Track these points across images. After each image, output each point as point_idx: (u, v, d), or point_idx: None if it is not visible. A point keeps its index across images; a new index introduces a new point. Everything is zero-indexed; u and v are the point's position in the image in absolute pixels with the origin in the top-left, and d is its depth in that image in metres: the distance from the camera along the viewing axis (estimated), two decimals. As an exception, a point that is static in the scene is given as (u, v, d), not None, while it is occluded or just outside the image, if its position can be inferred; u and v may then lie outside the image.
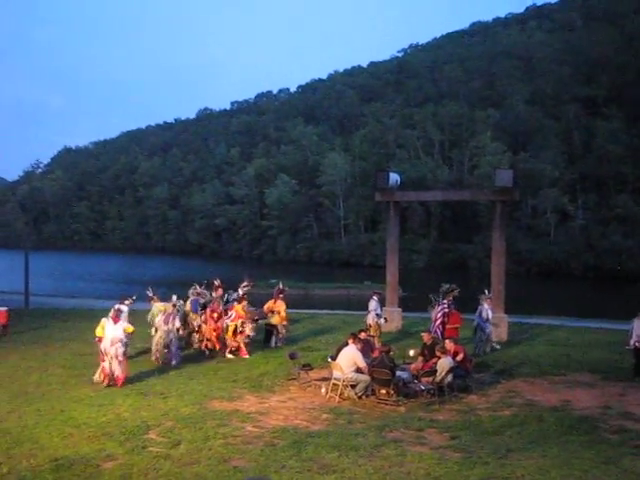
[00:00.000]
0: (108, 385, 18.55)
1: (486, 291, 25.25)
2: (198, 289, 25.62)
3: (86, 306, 38.27)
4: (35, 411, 15.40)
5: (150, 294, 25.10)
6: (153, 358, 22.09)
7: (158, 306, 24.51)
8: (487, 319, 23.97)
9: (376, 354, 18.52)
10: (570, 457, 12.32)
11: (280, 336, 25.55)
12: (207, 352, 23.38)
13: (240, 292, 25.66)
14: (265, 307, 26.08)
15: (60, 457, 12.14)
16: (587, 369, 20.92)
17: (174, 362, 21.80)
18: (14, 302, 36.30)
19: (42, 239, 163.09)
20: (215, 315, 23.82)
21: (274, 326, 25.56)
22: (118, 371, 18.74)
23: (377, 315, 25.23)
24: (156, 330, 22.49)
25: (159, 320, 22.62)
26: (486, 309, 24.12)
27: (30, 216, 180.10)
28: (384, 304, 27.92)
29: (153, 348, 22.36)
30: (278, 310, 25.64)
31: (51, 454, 12.32)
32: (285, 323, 25.82)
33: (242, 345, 23.60)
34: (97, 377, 19.01)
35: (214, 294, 25.07)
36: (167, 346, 22.09)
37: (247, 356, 23.25)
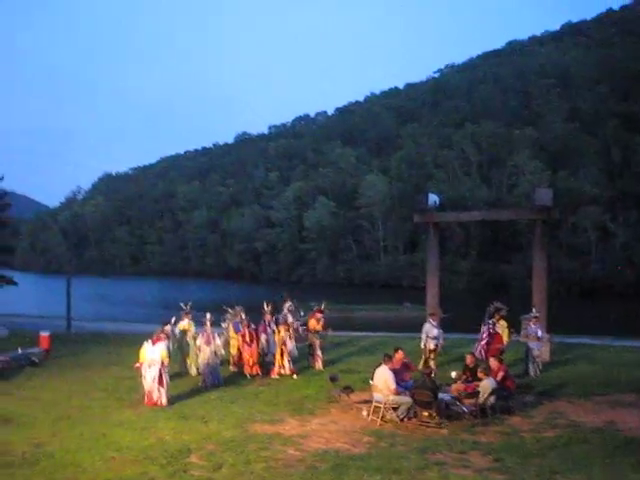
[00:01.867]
0: (150, 404, 18.85)
1: (534, 309, 25.00)
2: (232, 311, 25.71)
3: (127, 330, 38.51)
4: (78, 435, 15.49)
5: (186, 309, 25.16)
6: (200, 383, 22.16)
7: (180, 326, 24.67)
8: (538, 338, 23.65)
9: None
10: (616, 479, 12.12)
11: (316, 356, 25.53)
12: (249, 376, 23.44)
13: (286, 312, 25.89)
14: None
15: (103, 481, 12.19)
16: (631, 389, 20.60)
17: (216, 382, 22.04)
18: (56, 327, 36.64)
19: (83, 264, 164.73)
20: (248, 339, 23.93)
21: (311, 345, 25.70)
22: (157, 394, 18.96)
23: (432, 338, 25.03)
24: (199, 350, 22.67)
25: (200, 342, 22.76)
26: (533, 328, 23.84)
27: (71, 242, 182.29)
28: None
29: (201, 370, 22.58)
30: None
31: (94, 478, 12.38)
32: (314, 341, 25.57)
33: (276, 365, 23.90)
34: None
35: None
36: (212, 367, 22.26)
37: (276, 376, 23.62)
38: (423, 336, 25.12)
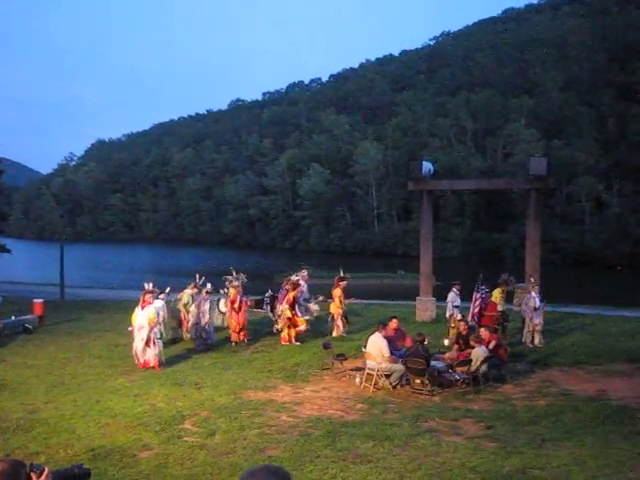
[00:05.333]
0: (142, 367, 19.50)
1: (531, 279, 24.84)
2: (231, 277, 25.83)
3: (121, 297, 38.53)
4: (72, 401, 15.54)
5: (197, 281, 25.29)
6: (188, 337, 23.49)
7: (185, 293, 24.83)
8: (535, 308, 23.47)
9: (409, 343, 18.49)
10: (606, 447, 12.20)
11: (335, 324, 25.48)
12: (232, 343, 23.55)
13: (294, 278, 25.86)
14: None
15: (97, 447, 12.23)
16: (624, 358, 20.68)
17: (207, 344, 22.71)
18: (50, 294, 36.65)
19: (76, 231, 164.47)
20: (235, 306, 23.95)
21: (331, 314, 25.67)
22: (150, 355, 19.70)
23: (455, 307, 24.99)
24: (189, 314, 23.48)
25: (193, 305, 23.34)
26: (533, 297, 23.66)
27: (64, 208, 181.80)
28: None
29: (191, 334, 23.39)
30: (333, 298, 25.75)
31: (88, 444, 12.42)
32: (340, 311, 25.51)
33: (286, 332, 23.85)
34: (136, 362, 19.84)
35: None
36: (200, 329, 22.78)
37: (287, 343, 23.57)
38: (449, 305, 25.12)
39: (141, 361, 19.75)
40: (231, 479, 10.55)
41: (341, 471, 10.94)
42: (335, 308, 25.51)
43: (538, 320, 23.37)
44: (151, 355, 19.76)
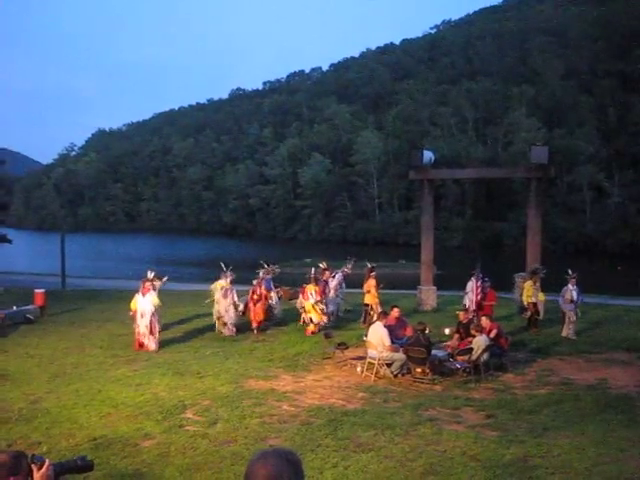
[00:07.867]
0: (138, 349, 20.41)
1: (569, 270, 24.15)
2: (265, 268, 25.83)
3: (122, 287, 38.53)
4: (73, 391, 15.55)
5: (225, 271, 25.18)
6: (217, 329, 23.69)
7: (217, 283, 24.80)
8: (572, 300, 23.11)
9: (410, 332, 18.50)
10: (607, 436, 12.22)
11: (372, 315, 25.46)
12: (255, 331, 23.86)
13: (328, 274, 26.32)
14: (364, 286, 26.34)
15: (99, 436, 12.25)
16: (624, 347, 20.72)
17: (227, 333, 23.26)
18: (51, 284, 36.70)
19: (77, 221, 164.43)
20: (255, 297, 24.10)
21: (367, 305, 25.73)
22: (147, 341, 20.57)
23: None
24: (217, 303, 23.69)
25: (218, 295, 23.60)
26: (570, 290, 23.29)
27: (65, 199, 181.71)
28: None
29: (215, 320, 23.85)
30: (368, 289, 25.80)
31: (90, 433, 12.44)
32: (377, 301, 25.58)
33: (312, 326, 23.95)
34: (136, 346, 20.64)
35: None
36: (230, 318, 23.39)
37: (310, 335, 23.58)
38: (470, 294, 24.99)
39: (145, 345, 20.56)
40: (233, 468, 10.58)
41: (342, 460, 10.96)
42: (372, 299, 25.59)
43: (572, 313, 23.02)
44: (151, 340, 20.62)
